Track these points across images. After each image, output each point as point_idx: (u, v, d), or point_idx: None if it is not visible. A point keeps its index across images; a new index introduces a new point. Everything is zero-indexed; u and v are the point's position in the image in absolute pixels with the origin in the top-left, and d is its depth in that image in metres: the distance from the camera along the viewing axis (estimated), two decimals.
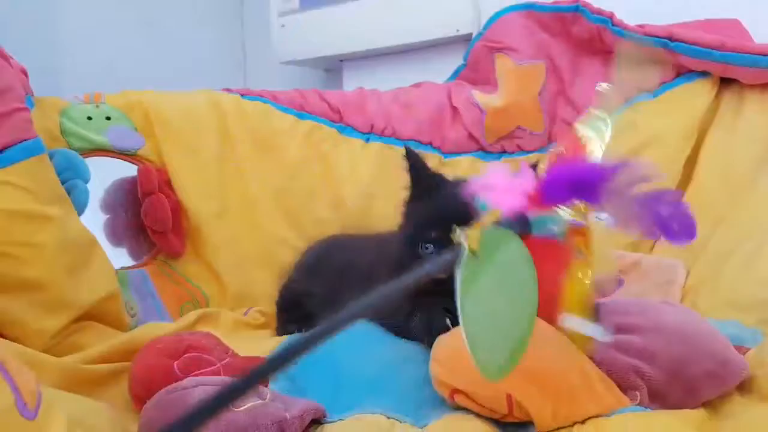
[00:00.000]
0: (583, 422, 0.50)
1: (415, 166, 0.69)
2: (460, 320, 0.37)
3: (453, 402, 0.52)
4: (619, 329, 0.53)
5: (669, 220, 0.41)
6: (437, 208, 0.66)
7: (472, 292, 0.37)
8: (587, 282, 0.44)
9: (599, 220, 0.43)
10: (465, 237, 0.37)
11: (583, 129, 0.47)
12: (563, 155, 0.46)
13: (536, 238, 0.40)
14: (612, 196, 0.40)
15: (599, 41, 1.08)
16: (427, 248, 0.64)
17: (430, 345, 0.56)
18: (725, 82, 1.01)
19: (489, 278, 0.38)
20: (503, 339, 0.39)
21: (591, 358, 0.52)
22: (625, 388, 0.52)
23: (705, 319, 0.56)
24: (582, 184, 0.40)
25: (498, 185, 0.42)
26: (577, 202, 0.41)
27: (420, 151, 1.09)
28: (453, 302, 0.37)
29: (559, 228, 0.40)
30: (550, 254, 0.41)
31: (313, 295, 0.82)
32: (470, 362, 0.46)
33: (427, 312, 0.63)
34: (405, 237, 0.67)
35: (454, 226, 0.39)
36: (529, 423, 0.51)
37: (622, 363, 0.52)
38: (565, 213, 0.41)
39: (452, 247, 0.38)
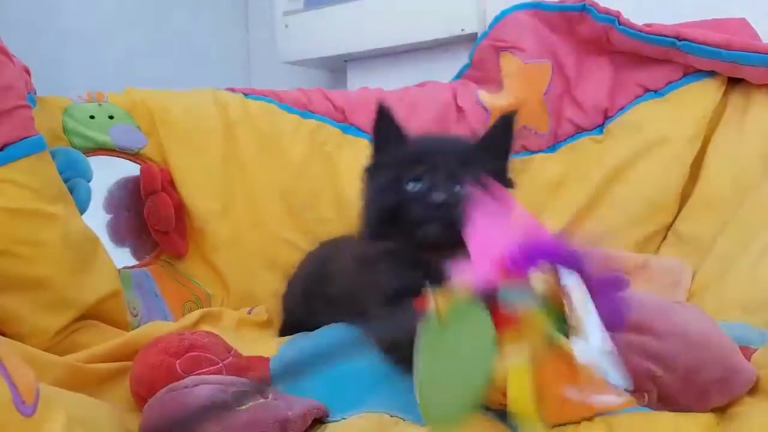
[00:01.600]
0: (590, 419, 0.49)
1: (387, 119, 0.68)
2: (415, 378, 0.39)
3: None
4: (635, 328, 0.52)
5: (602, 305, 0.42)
6: (418, 147, 0.66)
7: (431, 355, 0.39)
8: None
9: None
10: (435, 302, 0.39)
11: None
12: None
13: (504, 312, 0.41)
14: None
15: (606, 41, 1.07)
16: (414, 185, 0.62)
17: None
18: (732, 82, 1.01)
19: (450, 345, 0.40)
20: (453, 400, 0.40)
21: None
22: (636, 390, 0.52)
23: (717, 324, 0.55)
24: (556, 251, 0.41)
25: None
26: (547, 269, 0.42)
27: None
28: None
29: (529, 301, 0.41)
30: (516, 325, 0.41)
31: (318, 295, 0.81)
32: None
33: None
34: (388, 179, 0.65)
35: (427, 287, 0.40)
36: None
37: (637, 366, 0.51)
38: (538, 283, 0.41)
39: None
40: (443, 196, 0.59)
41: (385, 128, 0.68)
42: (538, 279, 0.41)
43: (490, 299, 0.41)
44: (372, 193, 0.68)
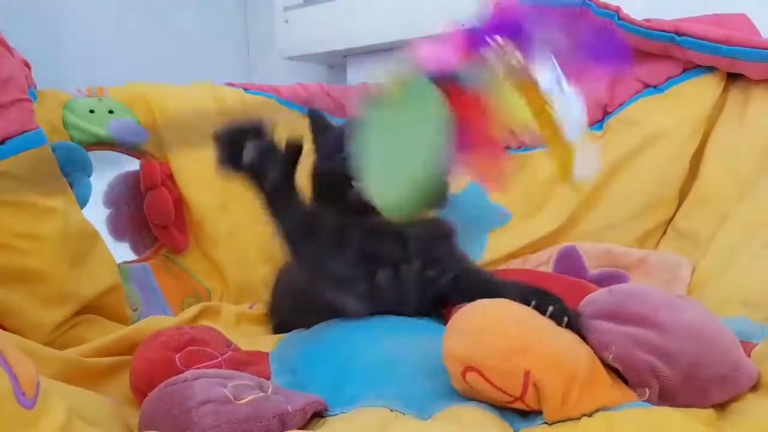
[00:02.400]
0: (590, 415, 0.49)
1: (320, 122, 0.76)
2: (365, 166, 0.38)
3: (463, 381, 0.51)
4: (638, 320, 0.52)
5: (599, 45, 0.42)
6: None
7: (380, 136, 0.39)
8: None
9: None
10: (385, 83, 0.39)
11: None
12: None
13: (465, 91, 0.40)
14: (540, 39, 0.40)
15: None
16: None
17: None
18: (732, 78, 1.00)
19: (399, 124, 0.39)
20: (403, 177, 0.39)
21: (609, 350, 0.52)
22: (636, 385, 0.52)
23: (719, 320, 0.55)
24: (509, 24, 0.41)
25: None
26: (502, 43, 0.41)
27: None
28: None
29: (488, 77, 0.40)
30: (476, 105, 0.40)
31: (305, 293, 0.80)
32: (490, 337, 0.49)
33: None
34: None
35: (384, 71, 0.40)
36: (533, 414, 0.50)
37: (640, 360, 0.51)
38: (496, 59, 0.40)
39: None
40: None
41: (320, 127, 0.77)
42: (498, 58, 0.40)
43: (446, 80, 0.40)
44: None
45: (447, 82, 0.39)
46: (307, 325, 0.73)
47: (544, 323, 0.53)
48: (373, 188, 0.39)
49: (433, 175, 0.38)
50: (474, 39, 0.41)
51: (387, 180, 0.39)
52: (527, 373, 0.48)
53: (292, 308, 0.80)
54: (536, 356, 0.48)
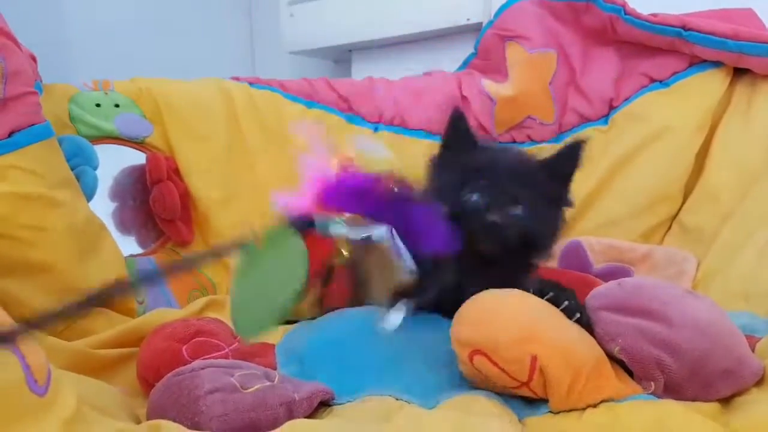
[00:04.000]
0: (595, 406, 0.49)
1: (460, 122, 0.72)
2: (231, 294, 0.45)
3: (471, 365, 0.51)
4: (646, 314, 0.53)
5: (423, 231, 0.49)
6: (483, 157, 0.68)
7: (245, 275, 0.45)
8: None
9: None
10: (252, 233, 0.45)
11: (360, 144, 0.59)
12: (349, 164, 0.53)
13: (317, 235, 0.48)
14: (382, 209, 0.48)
15: (611, 30, 1.07)
16: (473, 196, 0.64)
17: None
18: (738, 73, 1.00)
19: (264, 263, 0.45)
20: (264, 311, 0.45)
21: (615, 342, 0.52)
22: (642, 378, 0.52)
23: (727, 315, 0.55)
24: (358, 193, 0.48)
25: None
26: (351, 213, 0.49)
27: (429, 141, 1.09)
28: None
29: (334, 231, 0.48)
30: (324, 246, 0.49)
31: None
32: (500, 322, 0.50)
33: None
34: (450, 182, 0.67)
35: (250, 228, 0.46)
36: (538, 403, 0.51)
37: (647, 353, 0.51)
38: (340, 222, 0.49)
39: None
40: (498, 219, 0.62)
41: (455, 131, 0.71)
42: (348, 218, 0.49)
43: (306, 226, 0.47)
44: (433, 190, 0.69)
45: (305, 226, 0.47)
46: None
47: (555, 315, 0.53)
48: (233, 316, 0.45)
49: (288, 300, 0.45)
50: (326, 194, 0.49)
51: (247, 313, 0.45)
52: (534, 359, 0.48)
53: None
54: (544, 344, 0.49)
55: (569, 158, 0.68)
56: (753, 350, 0.58)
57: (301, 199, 0.48)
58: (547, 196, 0.66)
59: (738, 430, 0.45)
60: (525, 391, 0.50)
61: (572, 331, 0.52)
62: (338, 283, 0.53)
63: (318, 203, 0.48)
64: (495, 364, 0.50)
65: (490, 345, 0.50)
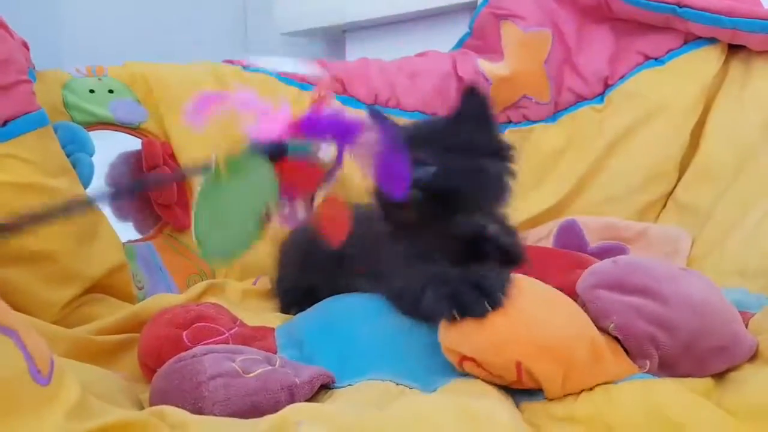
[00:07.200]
0: (591, 389, 0.50)
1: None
2: (193, 218, 0.44)
3: (462, 369, 0.52)
4: (641, 291, 0.53)
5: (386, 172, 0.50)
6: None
7: (210, 196, 0.45)
8: None
9: None
10: (215, 159, 0.44)
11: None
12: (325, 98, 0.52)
13: (292, 162, 0.47)
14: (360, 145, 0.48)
15: (606, 8, 1.06)
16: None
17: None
18: (733, 50, 1.00)
19: (228, 188, 0.45)
20: (229, 236, 0.46)
21: (610, 319, 0.52)
22: (637, 355, 0.53)
23: (721, 292, 0.56)
24: (339, 125, 0.48)
25: (258, 111, 0.48)
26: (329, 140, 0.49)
27: None
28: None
29: (313, 153, 0.48)
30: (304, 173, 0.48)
31: (311, 271, 0.80)
32: (482, 330, 0.49)
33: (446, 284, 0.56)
34: None
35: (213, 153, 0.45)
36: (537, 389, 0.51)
37: (641, 330, 0.52)
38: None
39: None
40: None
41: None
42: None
43: (278, 152, 0.46)
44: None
45: (276, 151, 0.46)
46: (315, 286, 0.74)
47: (537, 306, 0.51)
48: (201, 249, 0.45)
49: (254, 226, 0.45)
50: (301, 122, 0.48)
51: (213, 237, 0.45)
52: (519, 364, 0.48)
53: (302, 268, 0.80)
54: (525, 347, 0.48)
55: (471, 103, 0.67)
56: (746, 326, 0.59)
57: (273, 126, 0.47)
58: (469, 149, 0.64)
59: (731, 408, 0.46)
60: (519, 386, 0.50)
61: (558, 319, 0.51)
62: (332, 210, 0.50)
63: (293, 130, 0.48)
64: (484, 369, 0.50)
65: (475, 354, 0.49)
